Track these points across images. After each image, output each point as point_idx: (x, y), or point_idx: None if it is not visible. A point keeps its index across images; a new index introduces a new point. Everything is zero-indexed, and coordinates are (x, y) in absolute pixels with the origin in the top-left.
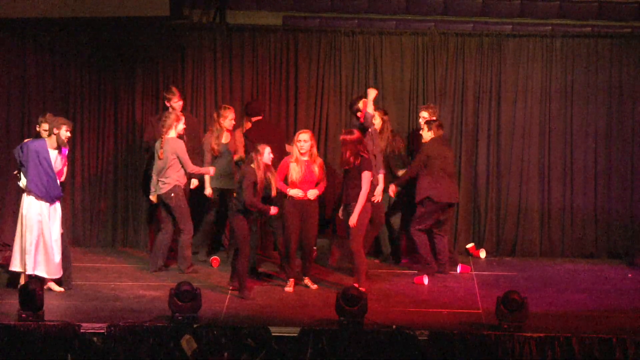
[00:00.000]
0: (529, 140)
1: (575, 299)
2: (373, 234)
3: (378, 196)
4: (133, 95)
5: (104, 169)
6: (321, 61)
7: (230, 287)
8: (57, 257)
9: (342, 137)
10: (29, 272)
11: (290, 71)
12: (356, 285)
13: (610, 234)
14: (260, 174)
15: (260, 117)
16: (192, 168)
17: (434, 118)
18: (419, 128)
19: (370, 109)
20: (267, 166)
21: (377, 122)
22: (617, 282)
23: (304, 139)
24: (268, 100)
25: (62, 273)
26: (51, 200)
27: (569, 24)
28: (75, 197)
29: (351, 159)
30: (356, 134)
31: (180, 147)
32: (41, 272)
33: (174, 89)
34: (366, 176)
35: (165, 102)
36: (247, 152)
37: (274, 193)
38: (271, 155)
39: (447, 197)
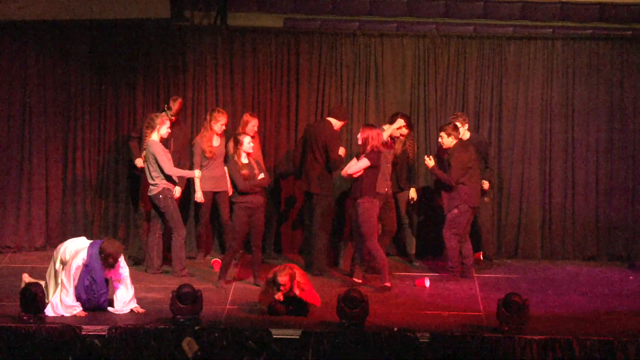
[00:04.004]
0: (530, 143)
1: (576, 302)
2: (385, 241)
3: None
4: (134, 98)
5: (104, 170)
6: (322, 63)
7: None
8: None
9: (362, 127)
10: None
11: (291, 73)
12: (387, 284)
13: (611, 237)
14: (242, 162)
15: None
16: (172, 170)
17: (457, 123)
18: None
19: (386, 134)
20: (249, 155)
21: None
22: (618, 285)
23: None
24: (269, 102)
25: None
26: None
27: (570, 27)
28: (76, 199)
29: (361, 149)
30: (374, 127)
31: (157, 149)
32: None
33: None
34: (361, 162)
35: (166, 106)
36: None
37: (266, 180)
38: (251, 144)
39: (478, 198)
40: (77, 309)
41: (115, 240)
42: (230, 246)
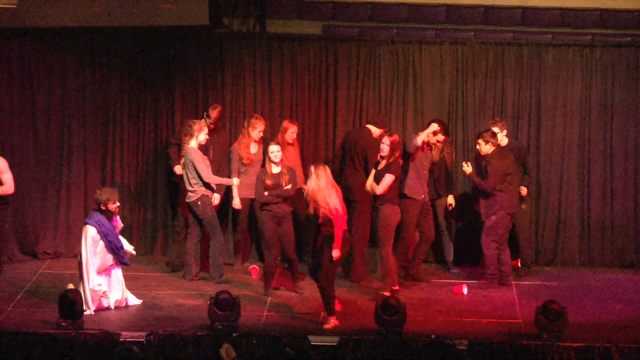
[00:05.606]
0: (568, 150)
1: (615, 309)
2: (423, 248)
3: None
4: (173, 105)
5: (143, 178)
6: (360, 70)
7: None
8: None
9: (387, 136)
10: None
11: (329, 80)
12: (386, 293)
13: None
14: (270, 171)
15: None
16: (211, 178)
17: (495, 129)
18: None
19: (420, 139)
20: (282, 163)
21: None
22: None
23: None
24: (307, 109)
25: None
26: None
27: (609, 34)
28: None
29: (384, 159)
30: (395, 136)
31: (196, 156)
32: None
33: (217, 110)
34: (387, 179)
35: (205, 114)
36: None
37: (292, 191)
38: (276, 154)
39: (516, 205)
40: (102, 290)
41: (101, 187)
42: (267, 255)
